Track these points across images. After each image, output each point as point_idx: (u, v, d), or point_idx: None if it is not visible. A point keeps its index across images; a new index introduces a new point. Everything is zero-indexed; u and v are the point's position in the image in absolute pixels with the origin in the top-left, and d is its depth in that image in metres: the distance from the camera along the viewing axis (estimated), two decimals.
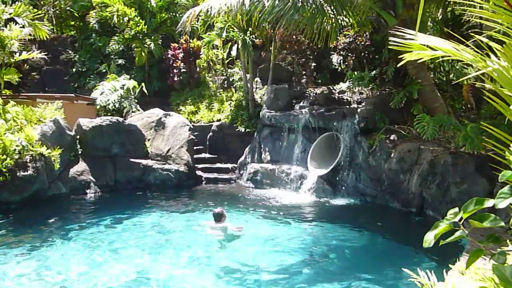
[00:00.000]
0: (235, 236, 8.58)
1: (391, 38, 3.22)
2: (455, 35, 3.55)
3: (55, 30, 22.18)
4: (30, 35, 14.03)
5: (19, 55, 14.22)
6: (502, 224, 1.57)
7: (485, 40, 2.77)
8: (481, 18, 3.11)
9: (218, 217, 8.62)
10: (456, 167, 9.83)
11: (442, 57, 3.10)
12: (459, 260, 3.85)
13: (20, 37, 13.91)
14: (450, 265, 3.46)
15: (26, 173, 10.73)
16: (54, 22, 22.07)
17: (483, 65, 2.72)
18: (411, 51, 3.14)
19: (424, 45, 3.07)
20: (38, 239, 8.51)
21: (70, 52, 21.35)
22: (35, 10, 15.03)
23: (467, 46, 2.98)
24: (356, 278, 6.71)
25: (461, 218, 1.65)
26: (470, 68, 12.06)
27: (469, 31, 11.48)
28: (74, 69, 20.82)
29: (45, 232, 9.05)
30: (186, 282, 6.56)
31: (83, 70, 20.69)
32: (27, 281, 6.48)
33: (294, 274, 6.93)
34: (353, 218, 10.52)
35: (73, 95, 17.60)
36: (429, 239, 1.70)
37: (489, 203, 1.56)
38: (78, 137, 12.88)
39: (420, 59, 3.16)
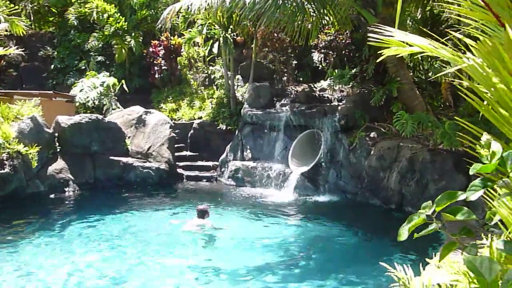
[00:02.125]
0: (215, 233, 8.55)
1: (370, 34, 3.24)
2: (433, 34, 3.60)
3: (33, 26, 21.81)
4: (6, 31, 13.75)
5: None
6: (474, 217, 1.59)
7: (460, 36, 2.80)
8: (459, 16, 3.16)
9: (201, 214, 8.58)
10: (435, 164, 9.97)
11: (421, 54, 3.13)
12: (435, 255, 3.89)
13: None
14: (427, 260, 3.50)
15: (3, 171, 10.53)
16: (32, 18, 21.73)
17: (459, 61, 2.76)
18: (389, 47, 3.18)
19: (403, 41, 3.10)
20: (16, 237, 8.36)
21: (49, 48, 21.03)
22: (12, 5, 14.74)
23: (444, 43, 3.02)
24: (336, 273, 6.76)
25: (434, 211, 1.66)
26: (448, 66, 12.23)
27: (448, 29, 11.63)
28: (52, 66, 20.51)
29: (23, 231, 8.90)
30: (166, 280, 6.52)
31: (62, 67, 20.40)
32: (4, 279, 6.36)
33: (274, 271, 6.94)
34: (334, 215, 10.58)
35: (51, 92, 17.33)
36: (403, 232, 1.72)
37: (461, 196, 1.58)
38: (56, 134, 12.69)
39: (399, 55, 3.19)
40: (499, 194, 2.41)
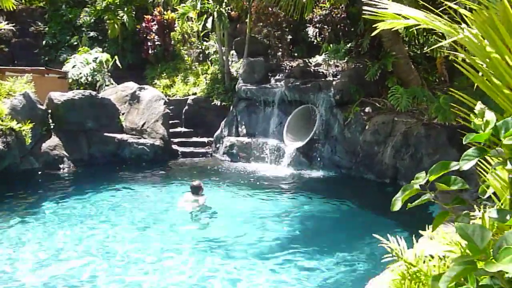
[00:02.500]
0: (210, 209, 8.58)
1: (365, 8, 3.20)
2: (429, 6, 3.55)
3: (23, 1, 21.40)
4: None
5: None
6: (467, 186, 1.60)
7: (455, 7, 2.77)
8: None
9: (196, 190, 8.59)
10: (429, 138, 10.01)
11: (416, 27, 3.10)
12: (429, 228, 3.94)
13: None
14: (420, 231, 3.54)
15: None
16: None
17: (455, 33, 2.73)
18: (384, 21, 3.14)
19: (397, 14, 3.07)
20: (10, 215, 8.36)
21: (40, 24, 20.66)
22: None
23: (440, 15, 2.98)
24: (330, 246, 6.84)
25: (428, 181, 1.66)
26: (444, 40, 12.17)
27: (444, 1, 11.53)
28: (44, 42, 20.19)
29: (17, 208, 8.90)
30: (163, 255, 6.57)
31: (54, 42, 20.09)
32: None
33: (269, 245, 7.01)
34: (329, 190, 10.66)
35: (43, 68, 17.11)
36: (397, 202, 1.72)
37: (454, 165, 1.58)
38: (49, 111, 12.60)
39: (394, 29, 3.16)
40: (492, 167, 2.42)
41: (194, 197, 8.54)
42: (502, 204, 2.94)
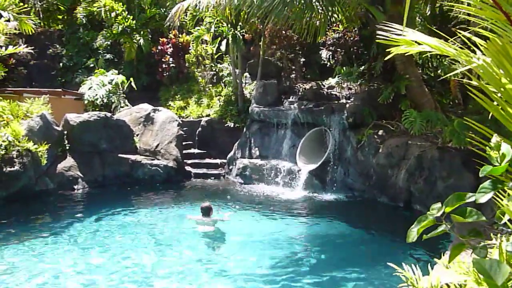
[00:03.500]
0: (223, 231, 8.56)
1: (379, 32, 3.23)
2: (440, 33, 3.58)
3: (42, 24, 21.94)
4: (16, 29, 13.84)
5: (5, 49, 14.01)
6: (483, 218, 1.59)
7: (469, 36, 2.78)
8: (468, 14, 3.14)
9: (207, 211, 8.59)
10: (443, 162, 9.92)
11: (430, 52, 3.12)
12: (444, 255, 3.89)
13: (5, 31, 13.71)
14: (435, 259, 3.50)
15: (12, 168, 10.62)
16: (41, 15, 21.84)
17: (468, 60, 2.74)
18: (398, 46, 3.17)
19: (411, 40, 3.09)
20: (25, 235, 8.43)
21: (58, 46, 21.14)
22: (21, 3, 14.82)
23: (454, 42, 3.00)
24: (344, 272, 6.75)
25: (444, 212, 1.66)
26: (458, 64, 12.15)
27: (457, 27, 11.55)
28: (61, 64, 20.63)
29: (32, 229, 8.97)
30: (176, 278, 6.55)
31: (71, 64, 20.51)
32: (13, 277, 6.42)
33: (282, 268, 6.94)
34: (342, 213, 10.57)
35: (60, 90, 17.42)
36: (412, 233, 1.72)
37: (470, 197, 1.58)
38: (65, 132, 12.78)
39: (407, 53, 3.18)
40: (508, 194, 2.40)
41: (205, 218, 8.52)
42: None
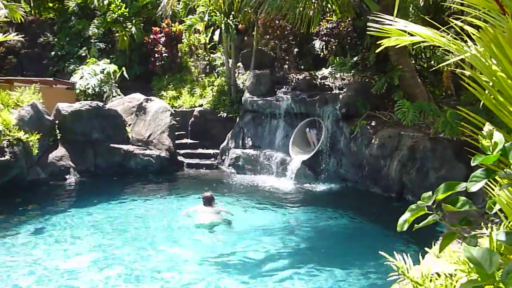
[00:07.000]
0: (223, 221, 8.56)
1: (370, 24, 3.20)
2: (434, 22, 3.56)
3: (33, 12, 21.67)
4: (6, 17, 13.67)
5: None
6: (475, 207, 1.59)
7: (461, 25, 2.77)
8: (462, 4, 3.11)
9: (209, 201, 8.59)
10: (435, 153, 9.96)
11: (422, 43, 3.10)
12: (435, 244, 3.91)
13: None
14: (426, 249, 3.51)
15: (3, 158, 10.52)
16: (32, 4, 21.56)
17: (461, 50, 2.73)
18: (390, 37, 3.15)
19: (403, 30, 3.07)
20: (16, 225, 8.39)
21: (49, 35, 20.92)
22: None
23: (446, 32, 2.99)
24: (335, 261, 6.78)
25: (434, 201, 1.65)
26: (451, 54, 12.15)
27: (451, 17, 11.54)
28: (53, 53, 20.42)
29: (24, 218, 8.90)
30: (169, 267, 6.55)
31: (62, 53, 20.31)
32: (4, 267, 6.39)
33: (274, 258, 6.98)
34: (334, 203, 10.59)
35: (51, 79, 17.27)
36: (402, 223, 1.71)
37: (461, 186, 1.57)
38: (57, 122, 12.68)
39: (399, 44, 3.16)
40: (500, 184, 2.40)
41: (208, 208, 8.50)
42: (510, 223, 2.92)
